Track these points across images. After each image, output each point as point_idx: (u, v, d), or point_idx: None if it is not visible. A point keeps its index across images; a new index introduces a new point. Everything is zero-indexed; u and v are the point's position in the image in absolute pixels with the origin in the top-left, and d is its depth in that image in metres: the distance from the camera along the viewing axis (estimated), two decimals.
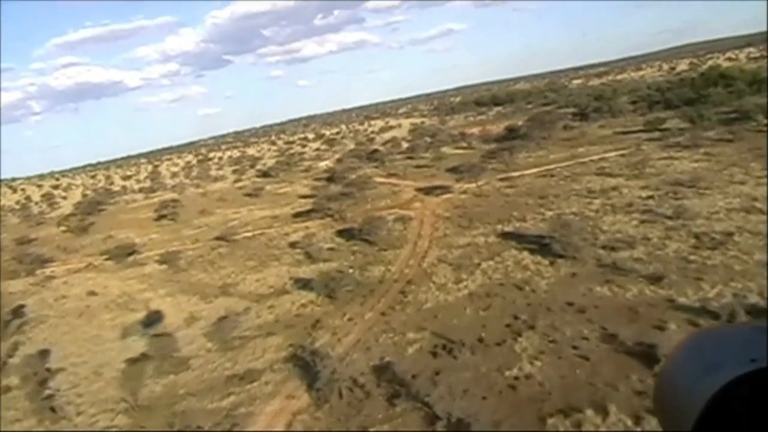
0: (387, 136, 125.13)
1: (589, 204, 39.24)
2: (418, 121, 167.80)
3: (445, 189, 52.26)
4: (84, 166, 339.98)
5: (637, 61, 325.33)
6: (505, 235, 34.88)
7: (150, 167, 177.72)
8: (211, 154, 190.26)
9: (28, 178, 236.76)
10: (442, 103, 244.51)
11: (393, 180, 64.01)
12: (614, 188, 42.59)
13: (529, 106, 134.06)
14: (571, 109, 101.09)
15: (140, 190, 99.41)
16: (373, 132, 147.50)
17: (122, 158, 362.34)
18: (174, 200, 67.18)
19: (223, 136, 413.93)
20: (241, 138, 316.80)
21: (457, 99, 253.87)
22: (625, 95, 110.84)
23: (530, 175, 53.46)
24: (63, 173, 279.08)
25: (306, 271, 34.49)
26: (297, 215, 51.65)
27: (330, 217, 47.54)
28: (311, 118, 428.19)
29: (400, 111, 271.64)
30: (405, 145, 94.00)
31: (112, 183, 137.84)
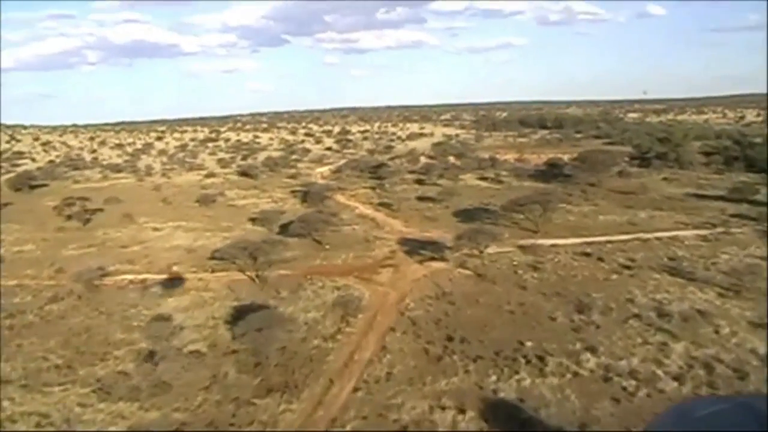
0: (411, 145, 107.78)
1: (662, 352, 20.94)
2: (453, 132, 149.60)
3: (438, 251, 34.57)
4: (117, 124, 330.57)
5: (697, 104, 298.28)
6: (498, 415, 17.42)
7: (152, 138, 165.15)
8: (225, 134, 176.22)
9: (40, 128, 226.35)
10: (486, 116, 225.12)
11: (380, 215, 46.65)
12: (704, 315, 24.23)
13: (578, 136, 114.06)
14: (628, 149, 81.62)
15: (105, 167, 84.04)
16: (399, 138, 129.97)
17: (153, 121, 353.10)
18: (81, 198, 50.43)
19: (262, 114, 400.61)
20: (276, 119, 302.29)
21: (503, 114, 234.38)
22: (695, 141, 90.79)
23: (567, 248, 35.25)
24: (86, 128, 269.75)
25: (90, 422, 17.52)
26: (215, 255, 34.67)
27: (251, 272, 30.50)
28: (354, 110, 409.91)
29: (443, 117, 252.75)
30: (422, 161, 76.42)
31: (95, 150, 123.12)
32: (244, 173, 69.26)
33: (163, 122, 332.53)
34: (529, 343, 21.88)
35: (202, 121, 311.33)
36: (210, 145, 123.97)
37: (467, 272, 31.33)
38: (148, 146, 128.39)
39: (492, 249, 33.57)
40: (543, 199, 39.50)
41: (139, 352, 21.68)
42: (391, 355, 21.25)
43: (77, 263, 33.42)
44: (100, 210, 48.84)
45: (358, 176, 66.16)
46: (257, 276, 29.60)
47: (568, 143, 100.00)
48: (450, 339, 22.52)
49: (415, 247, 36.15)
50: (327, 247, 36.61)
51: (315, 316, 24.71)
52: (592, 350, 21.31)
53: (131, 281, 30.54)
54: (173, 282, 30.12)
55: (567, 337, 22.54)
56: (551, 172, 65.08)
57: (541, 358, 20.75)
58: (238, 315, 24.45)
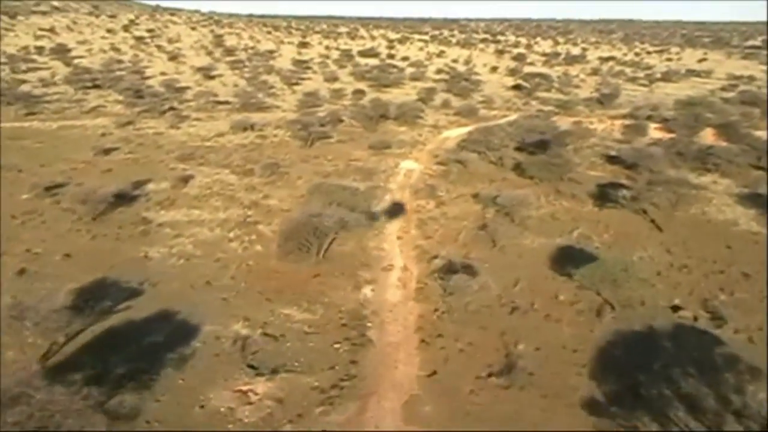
0: (658, 93, 75.08)
1: None
2: (752, 70, 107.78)
3: None
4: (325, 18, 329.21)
5: None
6: None
7: (289, 41, 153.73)
8: (404, 48, 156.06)
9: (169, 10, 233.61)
10: None
11: (403, 321, 20.21)
12: None
13: None
14: None
15: (123, 90, 62.94)
16: (648, 76, 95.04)
17: (372, 19, 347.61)
18: None
19: (528, 21, 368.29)
20: (535, 31, 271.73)
21: None
22: None
23: None
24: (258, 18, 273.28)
25: None
26: None
27: None
28: (627, 25, 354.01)
29: (748, 43, 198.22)
30: (649, 135, 46.41)
31: (178, 56, 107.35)
32: (295, 134, 45.39)
33: (387, 21, 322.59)
34: None
35: (443, 25, 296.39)
36: (349, 64, 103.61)
37: None
38: (264, 56, 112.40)
39: None
40: None
41: None
42: None
43: None
44: None
45: (490, 162, 39.54)
46: None
47: None
48: None
49: None
50: None
51: None
52: None
53: None
54: None
55: None
56: None
57: None
58: None
